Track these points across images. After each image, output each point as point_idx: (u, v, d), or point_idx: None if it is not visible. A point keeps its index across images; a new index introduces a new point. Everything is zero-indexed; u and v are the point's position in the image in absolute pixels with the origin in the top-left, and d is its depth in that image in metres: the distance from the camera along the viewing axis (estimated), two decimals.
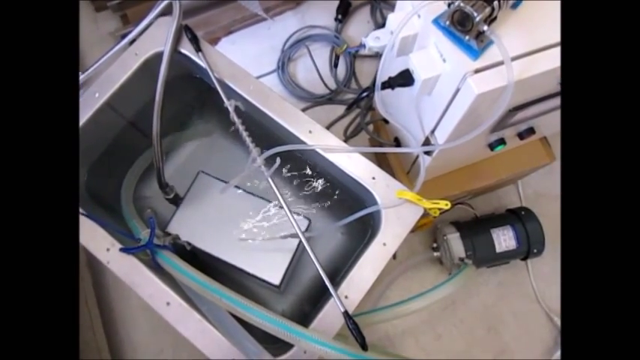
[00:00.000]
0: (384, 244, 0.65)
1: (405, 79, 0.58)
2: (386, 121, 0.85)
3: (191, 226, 0.81)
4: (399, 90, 0.65)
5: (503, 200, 1.11)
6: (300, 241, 0.81)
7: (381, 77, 0.60)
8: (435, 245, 1.02)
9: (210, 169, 0.86)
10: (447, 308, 1.04)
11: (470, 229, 0.97)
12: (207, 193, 0.84)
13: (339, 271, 0.80)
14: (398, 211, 0.66)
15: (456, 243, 0.95)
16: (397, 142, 0.83)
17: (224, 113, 0.82)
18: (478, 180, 0.83)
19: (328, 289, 0.62)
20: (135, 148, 0.86)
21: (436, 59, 0.56)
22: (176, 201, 0.84)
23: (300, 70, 1.20)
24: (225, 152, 0.91)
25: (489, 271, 1.06)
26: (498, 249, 0.95)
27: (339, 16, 1.21)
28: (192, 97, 0.90)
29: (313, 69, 1.19)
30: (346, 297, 0.63)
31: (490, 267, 1.04)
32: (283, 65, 1.18)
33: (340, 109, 1.15)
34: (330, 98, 1.15)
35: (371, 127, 0.95)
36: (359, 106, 1.13)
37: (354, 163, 0.69)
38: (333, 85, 1.17)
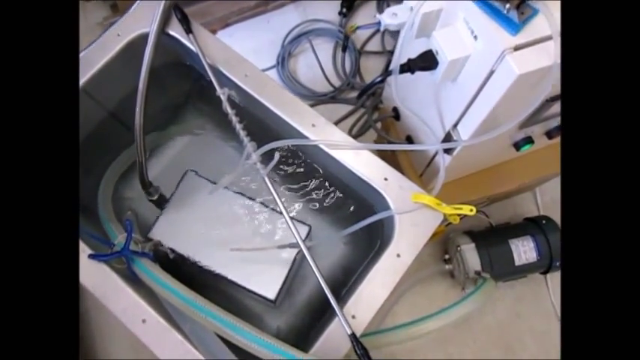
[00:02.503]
0: (398, 256, 0.56)
1: (427, 61, 0.50)
2: (396, 118, 0.76)
3: (176, 231, 0.72)
4: (416, 78, 0.56)
5: (520, 208, 1.03)
6: (299, 251, 0.73)
7: (399, 59, 0.51)
8: (446, 257, 0.93)
9: (200, 168, 0.77)
10: (459, 326, 0.94)
11: (486, 240, 0.89)
12: (196, 194, 0.75)
13: (342, 285, 0.71)
14: (414, 217, 0.58)
15: (471, 255, 0.86)
16: (409, 141, 0.74)
17: (217, 106, 0.73)
18: (499, 184, 0.74)
19: (331, 304, 0.53)
20: (117, 143, 0.77)
21: (465, 37, 0.47)
22: (161, 203, 0.75)
23: (300, 67, 1.12)
24: (218, 150, 0.82)
25: (505, 286, 0.97)
26: (517, 262, 0.86)
27: (344, 10, 1.13)
28: (182, 88, 0.82)
29: (315, 65, 1.11)
30: (353, 317, 0.54)
31: (506, 281, 0.95)
32: (283, 61, 1.10)
33: (344, 109, 1.06)
34: (333, 97, 1.07)
35: (379, 125, 0.86)
36: (364, 106, 1.05)
37: (363, 162, 0.60)
38: (336, 83, 1.09)
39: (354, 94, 1.08)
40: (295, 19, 1.14)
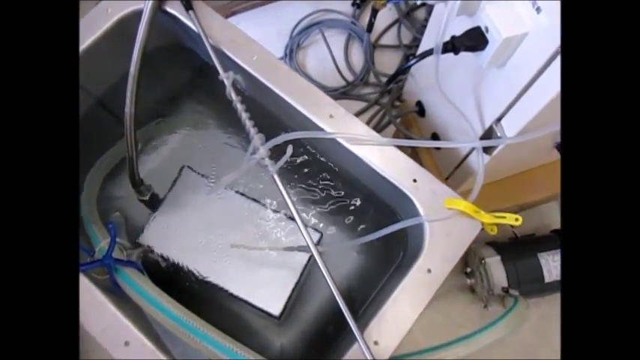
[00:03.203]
0: (429, 271, 0.48)
1: (474, 40, 0.42)
2: (420, 114, 0.68)
3: (170, 236, 0.64)
4: (453, 64, 0.48)
5: (546, 218, 0.94)
6: (309, 259, 0.65)
7: (441, 37, 0.43)
8: (468, 270, 0.84)
9: (199, 166, 0.69)
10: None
11: (512, 252, 0.80)
12: (193, 195, 0.67)
13: (356, 302, 0.62)
14: (447, 226, 0.49)
15: (497, 269, 0.78)
16: (434, 136, 0.66)
17: (219, 97, 0.65)
18: (534, 191, 0.66)
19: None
20: (104, 136, 0.68)
21: (523, 11, 0.39)
22: (153, 204, 0.66)
23: (310, 60, 1.04)
24: (219, 146, 0.74)
25: (531, 303, 0.88)
26: (548, 278, 0.78)
27: (357, 1, 1.06)
28: (180, 76, 0.73)
29: (325, 58, 1.03)
30: (376, 343, 0.46)
31: (531, 298, 0.86)
32: (291, 53, 1.02)
33: (357, 105, 0.98)
34: (344, 92, 0.99)
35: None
36: (379, 103, 0.97)
37: (388, 160, 0.51)
38: (348, 78, 1.01)
39: (367, 90, 1.00)
40: (305, 9, 1.06)
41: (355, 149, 0.52)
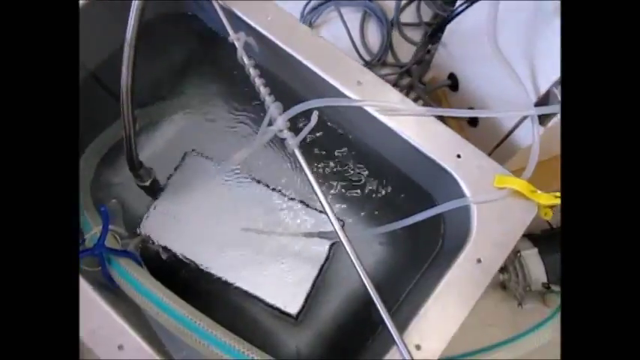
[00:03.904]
0: (479, 261, 0.40)
1: None
2: (453, 88, 0.60)
3: (173, 225, 0.57)
4: (503, 20, 0.41)
5: None
6: (329, 254, 0.57)
7: None
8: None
9: (206, 150, 0.62)
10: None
11: (550, 245, 0.72)
12: (199, 180, 0.60)
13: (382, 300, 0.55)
14: (499, 208, 0.42)
15: (534, 263, 0.70)
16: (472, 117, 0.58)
17: (228, 72, 0.58)
18: None
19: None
20: (100, 115, 0.61)
21: None
22: (154, 190, 0.59)
23: None
24: (229, 129, 0.66)
25: None
26: None
27: None
28: (183, 48, 0.66)
29: (340, 38, 0.95)
30: (418, 347, 0.38)
31: None
32: None
33: None
34: None
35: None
36: (398, 84, 0.89)
37: (427, 133, 0.44)
38: (365, 58, 0.93)
39: (386, 70, 0.93)
40: None
41: (387, 121, 0.44)
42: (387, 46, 0.95)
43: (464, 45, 0.55)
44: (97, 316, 0.39)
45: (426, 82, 0.68)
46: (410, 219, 0.44)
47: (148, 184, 0.59)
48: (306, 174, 0.41)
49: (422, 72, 0.70)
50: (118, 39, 0.50)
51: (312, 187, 0.41)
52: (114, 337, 0.38)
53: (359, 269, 0.38)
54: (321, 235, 0.51)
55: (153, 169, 0.59)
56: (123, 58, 0.50)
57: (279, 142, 0.62)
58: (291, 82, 0.53)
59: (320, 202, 0.40)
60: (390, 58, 0.95)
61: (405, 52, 0.95)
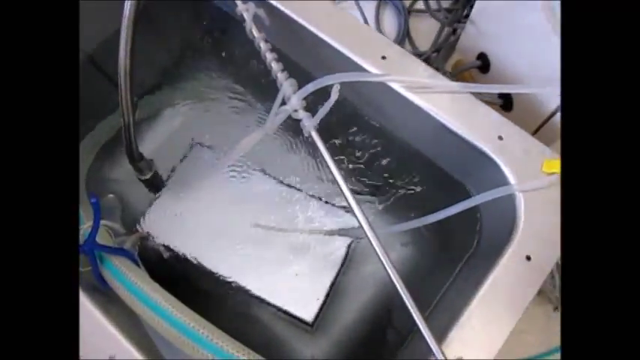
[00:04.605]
0: (528, 259, 0.35)
1: None
2: (483, 69, 0.55)
3: (176, 222, 0.51)
4: None
5: None
6: (347, 255, 0.52)
7: None
8: None
9: (211, 141, 0.57)
10: None
11: None
12: (205, 174, 0.55)
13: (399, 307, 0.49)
14: (549, 196, 0.36)
15: None
16: (504, 98, 0.52)
17: (234, 57, 0.53)
18: None
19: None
20: (99, 103, 0.57)
21: None
22: (156, 185, 0.54)
23: None
24: (236, 119, 0.61)
25: None
26: None
27: None
28: (187, 32, 0.61)
29: None
30: None
31: None
32: None
33: None
34: None
35: None
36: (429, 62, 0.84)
37: (463, 111, 0.38)
38: None
39: None
40: None
41: (415, 98, 0.39)
42: (405, 34, 0.89)
43: (498, 19, 0.49)
44: (86, 323, 0.33)
45: (451, 67, 0.62)
46: (443, 212, 0.39)
47: (148, 177, 0.54)
48: (325, 160, 0.36)
49: (446, 56, 0.64)
50: (117, 18, 0.45)
51: (334, 176, 0.35)
52: (105, 347, 0.33)
53: (390, 271, 0.33)
54: (342, 233, 0.45)
55: (153, 161, 0.55)
56: (120, 38, 0.46)
57: (291, 128, 0.57)
58: (304, 63, 0.47)
59: (343, 194, 0.35)
60: (407, 47, 0.90)
61: (424, 41, 0.89)
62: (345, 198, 0.35)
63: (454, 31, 0.66)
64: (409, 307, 0.32)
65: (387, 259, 0.33)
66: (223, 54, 0.61)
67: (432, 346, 0.31)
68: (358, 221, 0.34)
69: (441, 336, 0.33)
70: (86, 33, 0.52)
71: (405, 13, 0.91)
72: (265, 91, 0.59)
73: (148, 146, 0.59)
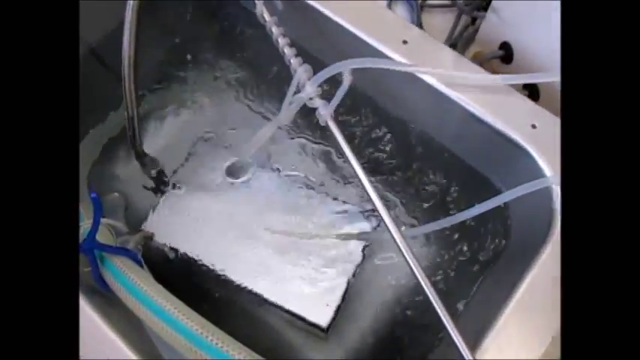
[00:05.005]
0: None
1: None
2: (506, 60, 0.52)
3: (184, 222, 0.49)
4: None
5: None
6: (363, 256, 0.49)
7: None
8: None
9: (219, 138, 0.54)
10: None
11: None
12: (214, 172, 0.52)
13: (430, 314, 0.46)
14: None
15: None
16: (530, 90, 0.49)
17: (245, 53, 0.51)
18: None
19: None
20: (102, 97, 0.54)
21: None
22: (163, 183, 0.52)
23: None
24: (246, 117, 0.58)
25: None
26: None
27: None
28: (194, 25, 0.59)
29: None
30: None
31: None
32: None
33: None
34: None
35: None
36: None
37: (491, 99, 0.35)
38: None
39: None
40: None
41: (439, 85, 0.36)
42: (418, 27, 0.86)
43: (523, 6, 0.47)
44: (84, 328, 0.31)
45: (470, 59, 0.59)
46: (472, 210, 0.35)
47: (154, 175, 0.52)
48: (343, 152, 0.33)
49: (463, 48, 0.61)
50: (122, 8, 0.43)
51: (352, 167, 0.32)
52: (104, 354, 0.30)
53: (419, 275, 0.30)
54: (362, 237, 0.43)
55: (157, 159, 0.53)
56: (124, 26, 0.44)
57: (305, 126, 0.55)
58: (314, 52, 0.44)
59: (366, 191, 0.32)
60: None
61: (438, 35, 0.87)
62: (369, 197, 0.32)
63: (473, 22, 0.63)
64: (440, 313, 0.29)
65: (415, 262, 0.30)
66: (230, 48, 0.58)
67: (464, 354, 0.28)
68: (382, 219, 0.31)
69: (473, 344, 0.30)
70: (89, 24, 0.50)
71: (418, 9, 0.88)
72: (274, 86, 0.57)
73: (152, 144, 0.56)
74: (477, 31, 0.59)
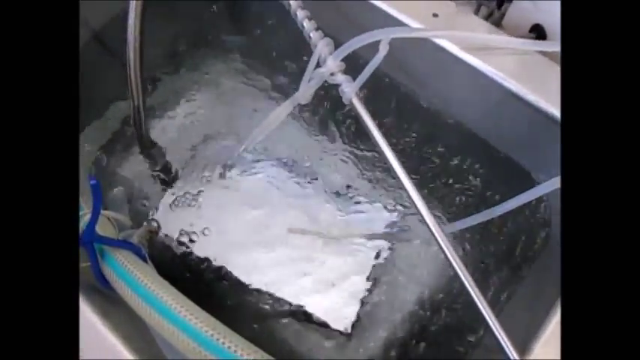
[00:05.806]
0: None
1: None
2: (541, 36, 0.48)
3: (192, 218, 0.46)
4: None
5: None
6: (385, 260, 0.46)
7: None
8: None
9: (229, 130, 0.51)
10: None
11: None
12: (224, 164, 0.49)
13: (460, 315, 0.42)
14: None
15: None
16: None
17: (252, 38, 0.48)
18: None
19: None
20: (106, 86, 0.52)
21: None
22: (169, 176, 0.49)
23: None
24: (257, 108, 0.55)
25: None
26: None
27: None
28: (203, 10, 0.56)
29: None
30: None
31: None
32: None
33: None
34: None
35: None
36: None
37: (531, 74, 0.32)
38: None
39: None
40: None
41: (473, 60, 0.32)
42: None
43: None
44: (82, 329, 0.27)
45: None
46: (510, 202, 0.32)
47: (160, 168, 0.49)
48: (371, 133, 0.30)
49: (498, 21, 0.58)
50: None
51: (383, 153, 0.29)
52: (103, 356, 0.27)
53: (460, 273, 0.26)
54: (388, 237, 0.39)
55: (164, 150, 0.50)
56: (129, 9, 0.41)
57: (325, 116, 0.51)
58: (332, 33, 0.41)
59: (403, 183, 0.28)
60: None
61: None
62: (408, 192, 0.28)
63: (500, 6, 0.60)
64: (484, 312, 0.25)
65: (456, 259, 0.27)
66: (241, 38, 0.55)
67: (510, 355, 0.24)
68: (418, 211, 0.28)
69: (522, 349, 0.26)
70: (92, 7, 0.48)
71: None
72: (286, 76, 0.54)
73: (159, 136, 0.53)
74: (503, 15, 0.55)
